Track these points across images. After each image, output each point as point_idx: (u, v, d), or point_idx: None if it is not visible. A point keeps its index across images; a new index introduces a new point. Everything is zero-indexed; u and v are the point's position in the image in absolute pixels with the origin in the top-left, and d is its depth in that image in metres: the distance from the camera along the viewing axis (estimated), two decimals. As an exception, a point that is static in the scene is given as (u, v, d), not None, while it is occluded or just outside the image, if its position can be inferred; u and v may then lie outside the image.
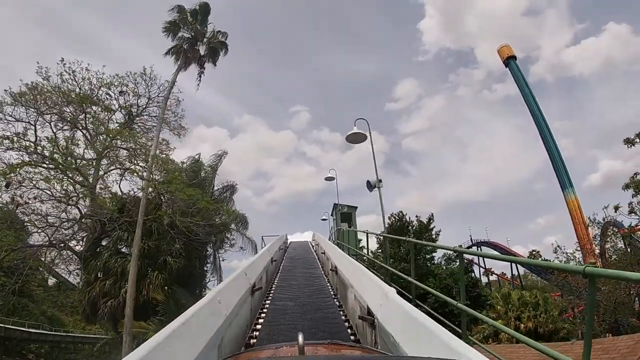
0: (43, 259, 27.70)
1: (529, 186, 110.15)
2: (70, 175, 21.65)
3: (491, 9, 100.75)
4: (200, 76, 24.11)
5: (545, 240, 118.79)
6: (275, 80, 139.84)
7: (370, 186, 12.08)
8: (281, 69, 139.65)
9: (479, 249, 58.46)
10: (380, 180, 11.83)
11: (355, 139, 12.40)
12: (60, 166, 18.86)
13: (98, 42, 76.71)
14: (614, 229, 35.70)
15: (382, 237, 19.17)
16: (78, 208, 22.08)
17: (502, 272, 69.16)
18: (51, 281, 42.03)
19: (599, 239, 33.84)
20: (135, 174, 21.09)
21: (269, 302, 8.95)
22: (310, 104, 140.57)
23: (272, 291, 10.39)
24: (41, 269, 30.80)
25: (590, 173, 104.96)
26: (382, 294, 5.62)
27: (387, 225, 26.27)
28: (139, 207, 22.79)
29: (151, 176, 19.88)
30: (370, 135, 12.52)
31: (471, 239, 61.92)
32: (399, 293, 5.56)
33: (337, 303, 8.80)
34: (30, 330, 36.29)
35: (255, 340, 6.13)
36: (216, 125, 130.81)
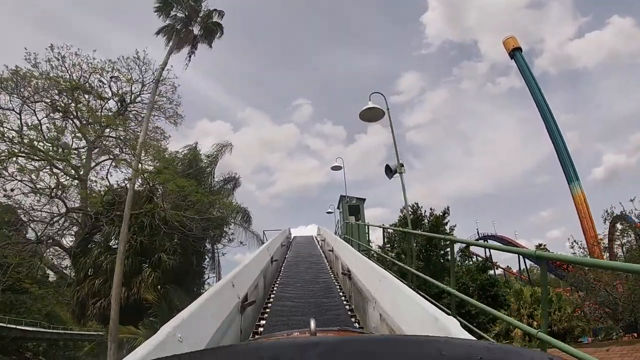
0: (43, 256, 25.68)
1: (533, 179, 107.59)
2: (58, 165, 19.61)
3: (494, 1, 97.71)
4: (190, 56, 21.82)
5: (549, 234, 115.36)
6: (276, 79, 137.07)
7: (390, 171, 9.81)
8: (282, 68, 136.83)
9: (486, 242, 56.10)
10: (402, 165, 9.58)
11: (371, 115, 10.13)
12: (39, 154, 16.64)
13: (98, 42, 74.13)
14: (624, 223, 33.92)
15: (403, 232, 16.70)
16: (63, 201, 19.92)
17: (507, 266, 67.00)
18: (53, 277, 40.23)
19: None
20: (124, 162, 18.86)
21: (264, 321, 6.81)
22: (312, 98, 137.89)
23: (270, 301, 8.24)
24: (41, 264, 28.78)
25: (593, 167, 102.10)
26: (434, 324, 3.50)
27: (399, 218, 24.15)
28: (135, 199, 20.78)
29: (140, 165, 17.64)
30: (389, 112, 10.27)
31: (478, 232, 59.78)
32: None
33: (358, 325, 6.60)
34: (26, 328, 34.40)
35: None
36: (219, 119, 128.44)
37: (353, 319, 7.02)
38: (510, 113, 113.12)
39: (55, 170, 18.82)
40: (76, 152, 20.43)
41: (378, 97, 10.68)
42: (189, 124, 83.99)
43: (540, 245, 57.76)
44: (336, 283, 9.86)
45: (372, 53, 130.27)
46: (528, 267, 59.40)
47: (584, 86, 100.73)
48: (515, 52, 62.70)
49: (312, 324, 1.87)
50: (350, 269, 8.59)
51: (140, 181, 19.43)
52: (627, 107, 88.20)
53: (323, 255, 14.58)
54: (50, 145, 17.60)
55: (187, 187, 17.67)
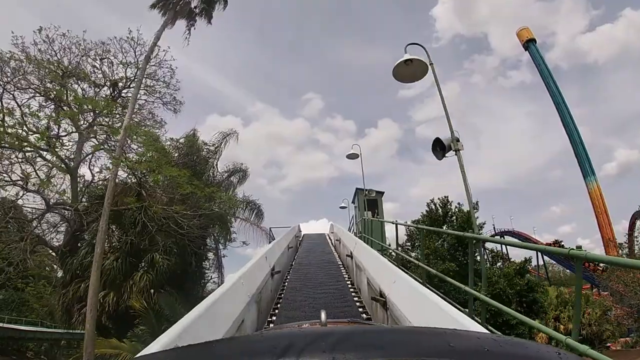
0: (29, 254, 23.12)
1: (544, 174, 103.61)
2: (39, 154, 16.91)
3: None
4: (189, 29, 18.79)
5: (560, 230, 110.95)
6: (286, 73, 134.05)
7: (440, 149, 6.64)
8: (292, 62, 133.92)
9: (502, 238, 52.51)
10: (458, 140, 6.45)
11: (409, 72, 7.00)
12: (5, 139, 13.82)
13: (98, 35, 71.04)
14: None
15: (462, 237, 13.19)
16: (41, 195, 17.13)
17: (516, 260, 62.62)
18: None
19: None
20: (103, 149, 16.04)
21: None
22: (322, 92, 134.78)
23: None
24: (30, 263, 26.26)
25: (605, 162, 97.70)
26: None
27: (424, 213, 20.99)
28: (125, 193, 17.98)
29: (124, 153, 14.74)
30: (433, 68, 7.13)
31: (494, 227, 56.16)
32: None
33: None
34: (22, 327, 32.05)
35: None
36: (230, 114, 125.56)
37: None
38: (522, 107, 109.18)
39: (30, 159, 16.02)
40: (57, 140, 17.52)
41: (416, 50, 7.52)
42: (200, 118, 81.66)
43: (556, 241, 54.30)
44: (361, 311, 6.76)
45: (382, 47, 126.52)
46: (545, 262, 55.75)
47: (595, 80, 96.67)
48: (529, 44, 59.15)
49: (323, 315, 1.84)
50: (385, 292, 5.54)
51: (123, 172, 16.60)
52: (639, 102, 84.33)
53: (339, 262, 11.47)
54: (21, 130, 14.70)
55: (178, 178, 14.69)
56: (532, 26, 59.96)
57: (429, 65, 7.17)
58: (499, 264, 21.61)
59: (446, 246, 19.00)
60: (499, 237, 51.61)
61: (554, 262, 57.86)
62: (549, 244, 45.12)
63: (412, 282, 5.25)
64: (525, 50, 60.01)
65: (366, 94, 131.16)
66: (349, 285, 8.51)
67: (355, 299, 7.22)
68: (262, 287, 6.43)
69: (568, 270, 54.64)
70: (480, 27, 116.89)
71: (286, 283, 8.74)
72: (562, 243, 55.52)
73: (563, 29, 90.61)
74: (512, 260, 27.11)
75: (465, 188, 6.26)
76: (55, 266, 33.50)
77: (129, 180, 17.96)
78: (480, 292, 5.81)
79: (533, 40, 59.21)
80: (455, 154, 6.40)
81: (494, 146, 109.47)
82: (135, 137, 15.09)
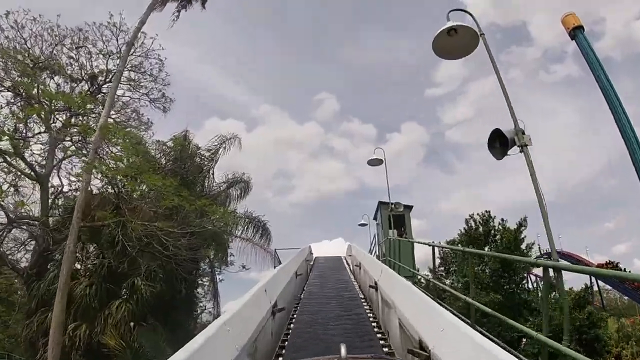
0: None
1: (597, 183, 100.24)
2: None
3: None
4: (179, 11, 18.18)
5: (615, 249, 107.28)
6: (296, 70, 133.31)
7: (501, 144, 5.60)
8: (302, 58, 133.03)
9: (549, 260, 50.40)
10: (524, 132, 5.45)
11: (454, 44, 5.99)
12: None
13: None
14: None
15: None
16: (2, 208, 16.43)
17: (571, 288, 60.27)
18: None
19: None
20: (74, 152, 15.37)
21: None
22: (337, 92, 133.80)
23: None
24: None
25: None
26: None
27: (462, 231, 19.81)
28: (103, 205, 17.24)
29: (100, 158, 13.98)
30: (484, 39, 6.19)
31: (539, 248, 54.22)
32: None
33: None
34: None
35: None
36: (231, 117, 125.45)
37: None
38: (568, 105, 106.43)
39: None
40: (24, 142, 16.91)
41: (460, 17, 6.58)
42: (196, 122, 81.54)
43: (609, 262, 52.06)
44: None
45: (406, 40, 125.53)
46: (600, 286, 53.46)
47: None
48: (576, 32, 57.93)
49: (343, 350, 1.92)
50: (428, 345, 4.49)
51: (99, 182, 15.88)
52: None
53: (361, 296, 10.36)
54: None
55: (163, 188, 13.82)
56: (578, 12, 58.70)
57: (480, 35, 6.20)
58: (553, 293, 20.31)
59: (488, 272, 17.72)
60: (544, 259, 49.64)
61: (609, 287, 55.62)
62: (601, 266, 43.13)
63: (470, 332, 4.20)
64: (572, 39, 58.67)
65: (388, 94, 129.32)
66: (375, 327, 7.47)
67: (386, 349, 6.18)
68: (259, 331, 5.42)
69: (626, 297, 52.49)
70: (518, 15, 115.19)
71: (292, 325, 7.69)
72: (618, 264, 53.31)
73: (614, 14, 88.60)
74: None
75: (537, 193, 5.20)
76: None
77: (106, 191, 17.19)
78: (563, 344, 4.69)
79: (580, 28, 57.89)
80: (521, 151, 5.38)
81: (539, 151, 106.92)
82: (113, 138, 14.33)
